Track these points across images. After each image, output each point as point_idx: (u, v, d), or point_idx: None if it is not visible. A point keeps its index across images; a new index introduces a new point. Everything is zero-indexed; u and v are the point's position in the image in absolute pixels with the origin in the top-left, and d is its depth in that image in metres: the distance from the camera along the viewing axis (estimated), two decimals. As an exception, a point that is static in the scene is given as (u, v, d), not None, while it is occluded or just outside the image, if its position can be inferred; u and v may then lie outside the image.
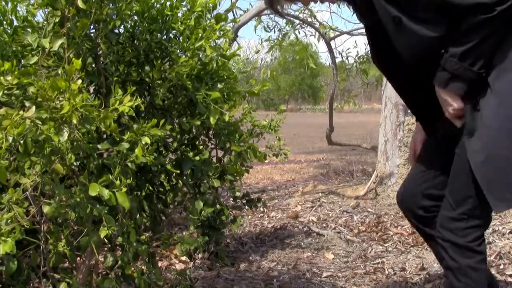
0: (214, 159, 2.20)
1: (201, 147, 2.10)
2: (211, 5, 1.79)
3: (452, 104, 1.50)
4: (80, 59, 1.43)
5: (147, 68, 1.79)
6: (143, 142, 1.49)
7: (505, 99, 1.43)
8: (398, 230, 3.67)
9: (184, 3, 1.77)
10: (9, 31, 1.64)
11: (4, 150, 1.27)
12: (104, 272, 2.15)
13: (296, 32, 6.05)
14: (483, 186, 1.44)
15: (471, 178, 1.49)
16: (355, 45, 8.77)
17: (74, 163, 1.58)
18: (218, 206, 2.46)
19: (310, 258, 3.21)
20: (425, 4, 1.45)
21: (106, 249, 2.02)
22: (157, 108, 1.85)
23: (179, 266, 3.01)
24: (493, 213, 3.78)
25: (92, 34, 1.68)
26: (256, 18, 5.11)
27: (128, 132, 1.51)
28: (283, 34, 6.01)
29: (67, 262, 1.85)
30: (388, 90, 4.31)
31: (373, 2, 1.48)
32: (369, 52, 1.72)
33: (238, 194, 2.83)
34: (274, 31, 6.11)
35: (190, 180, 1.98)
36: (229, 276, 2.91)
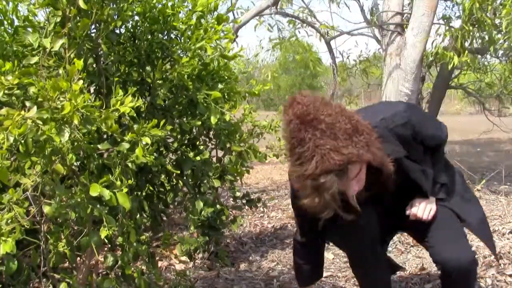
0: (214, 159, 2.21)
1: (201, 147, 2.10)
2: (212, 5, 1.79)
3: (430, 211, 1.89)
4: (82, 59, 1.43)
5: (148, 68, 1.79)
6: (144, 142, 1.49)
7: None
8: (398, 230, 3.66)
9: (186, 3, 1.77)
10: (10, 31, 1.64)
11: (5, 150, 1.27)
12: (104, 272, 2.15)
13: (296, 31, 6.05)
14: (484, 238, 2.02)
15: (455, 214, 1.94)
16: (356, 44, 8.75)
17: (74, 163, 1.58)
18: (218, 206, 2.46)
19: (310, 258, 3.21)
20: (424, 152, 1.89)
21: (106, 249, 2.02)
22: (157, 108, 1.85)
23: (179, 266, 3.01)
24: (493, 213, 3.76)
25: (93, 34, 1.68)
26: (258, 17, 5.11)
27: (129, 133, 1.51)
28: (289, 36, 6.01)
29: (67, 262, 1.85)
30: (388, 90, 4.31)
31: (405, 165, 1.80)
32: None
33: (238, 194, 2.83)
34: (277, 30, 6.11)
35: (190, 180, 1.98)
36: (229, 276, 2.91)
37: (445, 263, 1.83)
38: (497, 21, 4.55)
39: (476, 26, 4.50)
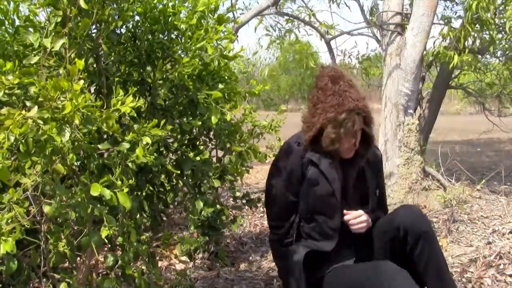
0: (214, 159, 2.20)
1: (201, 147, 2.10)
2: (213, 6, 1.79)
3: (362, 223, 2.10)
4: (82, 59, 1.43)
5: (148, 68, 1.79)
6: (144, 142, 1.49)
7: None
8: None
9: (186, 4, 1.77)
10: (11, 30, 1.64)
11: (6, 150, 1.27)
12: (104, 272, 2.15)
13: (296, 31, 6.04)
14: None
15: None
16: (356, 44, 8.74)
17: (75, 163, 1.58)
18: (218, 206, 2.46)
19: (310, 258, 3.20)
20: None
21: (106, 249, 2.02)
22: (158, 108, 1.85)
23: (179, 266, 3.01)
24: (493, 213, 3.76)
25: (93, 34, 1.68)
26: (259, 17, 5.11)
27: (129, 132, 1.51)
28: (284, 32, 6.00)
29: (67, 262, 1.85)
30: (388, 90, 4.31)
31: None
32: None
33: (238, 194, 2.83)
34: (275, 30, 6.10)
35: (190, 180, 1.98)
36: (229, 276, 2.91)
37: (410, 223, 2.00)
38: (497, 21, 4.55)
39: (478, 26, 4.49)
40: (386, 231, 2.08)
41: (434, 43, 4.73)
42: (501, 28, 4.75)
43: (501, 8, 4.53)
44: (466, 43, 4.51)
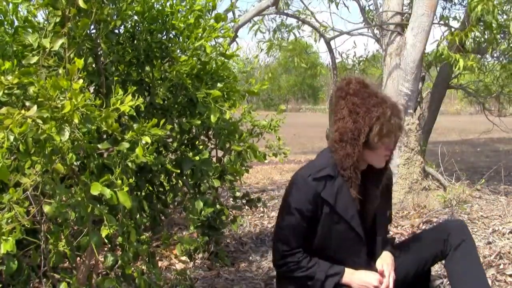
0: (214, 159, 2.20)
1: (201, 147, 2.10)
2: (210, 4, 1.79)
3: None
4: (82, 59, 1.43)
5: (147, 68, 1.79)
6: (144, 142, 1.49)
7: None
8: (398, 230, 3.67)
9: (183, 3, 1.78)
10: (10, 31, 1.64)
11: (6, 149, 1.27)
12: (104, 272, 2.15)
13: (296, 32, 6.05)
14: None
15: None
16: (354, 45, 8.72)
17: (74, 163, 1.58)
18: (218, 206, 2.46)
19: (310, 258, 3.20)
20: None
21: (106, 249, 2.02)
22: (157, 108, 1.85)
23: (179, 266, 3.01)
24: (492, 213, 3.76)
25: (92, 34, 1.68)
26: (255, 19, 5.12)
27: (129, 132, 1.51)
28: (272, 33, 6.03)
29: (67, 262, 1.85)
30: (388, 90, 4.31)
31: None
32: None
33: (238, 194, 2.83)
34: (269, 33, 6.11)
35: (190, 180, 1.98)
36: (229, 276, 2.91)
37: (449, 225, 2.16)
38: (500, 18, 4.55)
39: (482, 27, 4.49)
40: (434, 237, 2.16)
41: (437, 46, 4.70)
42: (499, 30, 4.75)
43: (504, 8, 4.53)
44: (467, 42, 4.51)
